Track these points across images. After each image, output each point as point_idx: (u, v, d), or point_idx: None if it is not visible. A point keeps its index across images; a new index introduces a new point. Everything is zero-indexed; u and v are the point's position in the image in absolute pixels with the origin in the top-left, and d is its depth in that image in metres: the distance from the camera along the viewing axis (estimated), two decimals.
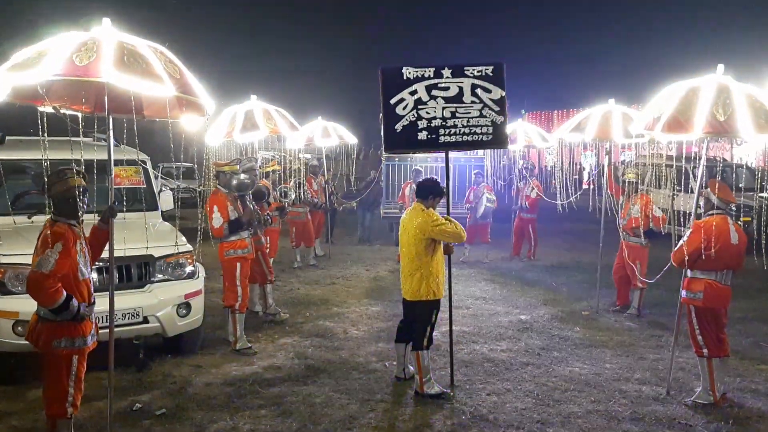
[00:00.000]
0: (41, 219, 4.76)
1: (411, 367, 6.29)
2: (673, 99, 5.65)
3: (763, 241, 5.93)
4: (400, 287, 6.19)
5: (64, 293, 4.45)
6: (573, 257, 13.94)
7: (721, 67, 5.74)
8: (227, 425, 5.37)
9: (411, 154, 14.53)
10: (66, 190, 4.55)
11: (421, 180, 6.53)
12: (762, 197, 13.31)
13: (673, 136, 5.79)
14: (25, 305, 5.18)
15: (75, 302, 4.51)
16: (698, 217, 6.02)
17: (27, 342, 4.77)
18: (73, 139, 4.97)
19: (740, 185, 7.87)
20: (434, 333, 6.20)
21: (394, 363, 6.56)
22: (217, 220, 7.30)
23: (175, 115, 4.87)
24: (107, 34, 4.33)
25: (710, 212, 5.89)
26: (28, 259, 4.64)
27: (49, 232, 4.46)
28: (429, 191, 6.08)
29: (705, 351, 5.88)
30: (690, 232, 5.85)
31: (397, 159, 15.53)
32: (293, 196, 10.94)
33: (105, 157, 4.80)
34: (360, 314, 9.00)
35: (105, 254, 4.95)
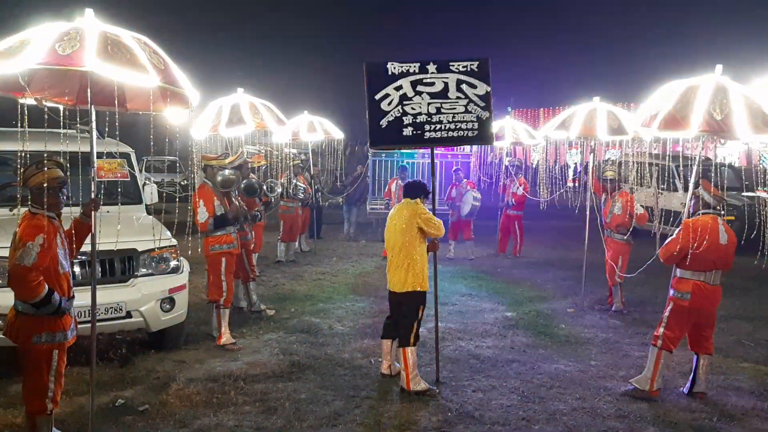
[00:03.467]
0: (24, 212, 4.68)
1: (397, 364, 6.27)
2: (671, 97, 5.69)
3: (743, 240, 5.98)
4: (387, 282, 6.17)
5: (46, 287, 4.38)
6: (558, 254, 13.98)
7: (719, 67, 5.78)
8: (211, 421, 5.31)
9: (398, 150, 14.51)
10: (45, 182, 4.46)
11: (408, 181, 6.50)
12: (745, 196, 13.47)
13: (669, 133, 5.83)
14: (3, 299, 5.09)
15: (56, 296, 4.45)
16: (688, 215, 6.04)
17: (3, 337, 4.68)
18: (54, 130, 4.90)
19: (742, 183, 7.99)
20: (420, 329, 6.18)
21: (380, 359, 6.53)
22: (202, 215, 7.23)
23: (158, 108, 4.80)
24: (91, 24, 4.26)
25: (701, 211, 5.93)
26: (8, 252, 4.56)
27: (29, 224, 4.38)
28: (419, 192, 6.11)
29: (659, 342, 5.96)
30: (679, 229, 5.88)
31: (383, 155, 15.50)
32: (280, 191, 10.89)
33: (88, 149, 4.72)
34: (346, 310, 8.96)
35: (87, 248, 4.87)
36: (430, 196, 6.40)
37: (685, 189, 6.23)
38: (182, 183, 22.55)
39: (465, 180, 13.58)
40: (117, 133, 5.48)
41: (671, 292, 6.01)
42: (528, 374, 6.57)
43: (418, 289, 5.99)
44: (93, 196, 4.71)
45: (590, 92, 9.36)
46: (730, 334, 8.10)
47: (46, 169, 4.50)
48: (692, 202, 6.04)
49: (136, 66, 4.19)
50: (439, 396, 5.94)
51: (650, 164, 13.42)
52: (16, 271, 4.32)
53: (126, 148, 7.81)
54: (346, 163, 18.62)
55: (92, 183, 4.76)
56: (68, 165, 4.81)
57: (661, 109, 5.65)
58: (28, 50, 3.99)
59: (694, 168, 6.01)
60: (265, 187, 9.69)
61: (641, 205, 9.02)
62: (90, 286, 4.82)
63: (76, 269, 5.91)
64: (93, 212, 4.69)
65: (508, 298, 9.87)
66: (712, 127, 5.44)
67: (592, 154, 9.72)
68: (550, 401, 5.89)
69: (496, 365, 6.82)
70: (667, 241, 5.96)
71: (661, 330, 5.98)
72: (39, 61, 3.97)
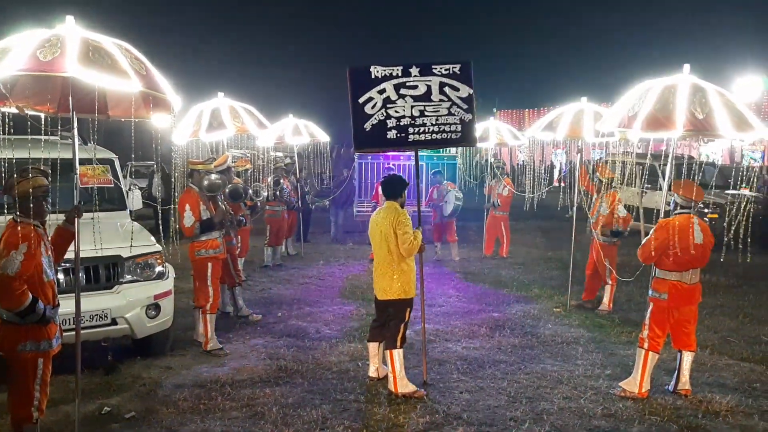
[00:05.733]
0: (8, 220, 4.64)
1: (384, 367, 6.27)
2: (649, 97, 5.72)
3: (727, 237, 6.03)
4: (374, 287, 6.17)
5: (30, 296, 4.35)
6: (545, 254, 14.05)
7: (687, 66, 5.85)
8: (198, 428, 5.30)
9: (384, 153, 14.51)
10: (30, 190, 4.43)
11: (385, 176, 6.47)
12: (728, 194, 13.59)
13: (652, 134, 5.87)
14: None
15: (41, 305, 4.42)
16: (667, 215, 6.10)
17: None
18: (37, 137, 4.88)
19: (726, 181, 8.09)
20: (407, 331, 6.19)
21: (368, 362, 6.53)
22: (188, 220, 7.21)
23: (141, 114, 4.80)
24: (71, 31, 4.25)
25: (676, 212, 6.00)
26: None
27: (12, 232, 4.35)
28: (399, 188, 6.10)
29: (645, 344, 6.04)
30: (653, 230, 5.96)
31: (370, 157, 15.50)
32: (266, 195, 10.85)
33: (70, 155, 4.71)
34: (333, 314, 8.95)
35: (70, 255, 4.84)
36: (414, 198, 6.40)
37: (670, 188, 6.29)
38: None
39: (446, 182, 13.63)
40: (95, 138, 5.45)
41: (650, 292, 6.10)
42: (515, 375, 6.59)
43: (404, 296, 5.99)
44: (75, 203, 4.70)
45: (576, 93, 9.40)
46: (714, 331, 8.17)
47: (30, 177, 4.47)
48: (671, 201, 6.12)
49: (117, 71, 4.18)
50: (426, 398, 5.95)
51: (635, 164, 13.50)
52: (0, 280, 4.29)
53: (109, 154, 7.77)
54: (333, 166, 18.58)
55: (75, 190, 4.75)
56: (51, 171, 4.78)
57: (640, 110, 5.70)
58: (9, 57, 3.98)
59: (666, 169, 6.08)
60: (251, 191, 9.67)
61: (624, 206, 9.05)
62: (74, 294, 4.80)
63: (60, 277, 5.87)
64: (76, 219, 4.67)
65: (495, 299, 9.90)
66: (696, 126, 5.51)
67: (579, 155, 9.75)
68: (537, 401, 5.91)
69: (484, 366, 6.84)
70: (643, 242, 6.04)
71: (645, 332, 6.06)
72: (20, 68, 3.96)
